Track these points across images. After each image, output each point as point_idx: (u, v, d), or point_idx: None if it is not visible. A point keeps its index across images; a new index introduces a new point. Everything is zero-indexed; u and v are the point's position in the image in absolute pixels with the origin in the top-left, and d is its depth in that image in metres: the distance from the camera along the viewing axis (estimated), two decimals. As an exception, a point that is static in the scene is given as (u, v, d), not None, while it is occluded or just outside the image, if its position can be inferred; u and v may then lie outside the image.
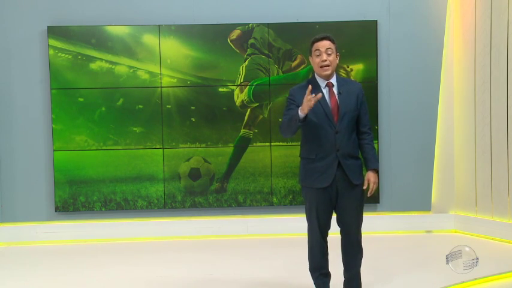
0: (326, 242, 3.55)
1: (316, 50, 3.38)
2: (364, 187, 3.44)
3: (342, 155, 3.35)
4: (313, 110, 3.25)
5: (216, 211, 5.62)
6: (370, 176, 3.43)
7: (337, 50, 3.44)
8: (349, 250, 3.52)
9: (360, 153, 3.48)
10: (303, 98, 3.22)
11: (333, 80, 3.43)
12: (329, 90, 3.40)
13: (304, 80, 3.63)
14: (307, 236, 3.58)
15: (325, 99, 3.37)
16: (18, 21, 5.46)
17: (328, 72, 3.37)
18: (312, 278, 3.61)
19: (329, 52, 3.36)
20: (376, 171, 3.46)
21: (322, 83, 3.41)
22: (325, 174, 3.37)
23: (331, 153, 3.35)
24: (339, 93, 3.39)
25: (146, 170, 5.54)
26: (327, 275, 3.61)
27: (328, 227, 3.51)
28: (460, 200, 5.59)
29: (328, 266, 3.59)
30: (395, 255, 4.80)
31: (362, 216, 3.51)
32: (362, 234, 3.54)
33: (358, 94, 3.43)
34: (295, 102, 3.41)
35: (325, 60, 3.35)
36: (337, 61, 3.43)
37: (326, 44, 3.37)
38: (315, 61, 3.41)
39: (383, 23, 5.56)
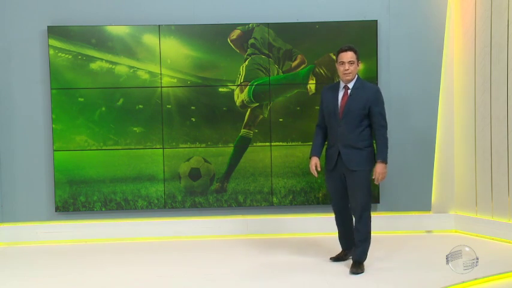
0: (342, 218, 4.42)
1: (341, 60, 4.18)
2: (373, 177, 4.21)
3: (342, 146, 4.18)
4: (327, 107, 4.28)
5: (216, 211, 5.62)
6: (376, 167, 4.19)
7: (358, 58, 4.23)
8: (355, 224, 4.30)
9: (368, 145, 4.22)
10: (330, 98, 4.27)
11: (351, 84, 4.22)
12: (344, 91, 4.23)
13: (334, 82, 4.62)
14: None
15: (337, 99, 4.23)
16: (18, 21, 5.46)
17: (349, 78, 4.20)
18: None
19: (351, 62, 4.16)
20: (383, 162, 4.16)
21: (341, 86, 4.27)
22: (331, 160, 4.28)
23: (335, 143, 4.23)
24: (350, 95, 4.18)
25: (146, 170, 5.54)
26: (344, 241, 4.51)
27: (343, 206, 4.37)
28: (460, 200, 5.59)
29: (344, 236, 4.49)
30: (396, 255, 4.80)
31: (364, 197, 4.19)
32: (370, 217, 4.28)
33: (368, 98, 4.15)
34: (323, 103, 4.34)
35: (347, 69, 4.17)
36: (358, 67, 4.25)
37: (349, 55, 4.16)
38: (339, 68, 4.22)
39: (383, 23, 5.56)
